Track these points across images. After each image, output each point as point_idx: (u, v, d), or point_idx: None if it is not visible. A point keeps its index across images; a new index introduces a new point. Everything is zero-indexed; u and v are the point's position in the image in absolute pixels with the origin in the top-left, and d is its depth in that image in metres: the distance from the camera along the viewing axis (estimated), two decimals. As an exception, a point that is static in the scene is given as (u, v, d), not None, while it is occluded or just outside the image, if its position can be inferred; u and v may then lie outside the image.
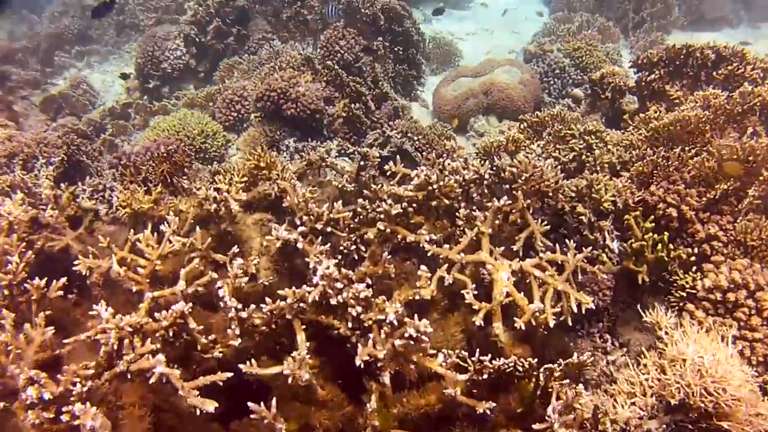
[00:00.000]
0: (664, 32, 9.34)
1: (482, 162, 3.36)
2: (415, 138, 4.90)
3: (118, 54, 10.05)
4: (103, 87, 9.28)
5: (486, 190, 3.40)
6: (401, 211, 2.89)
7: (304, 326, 2.32)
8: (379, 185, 3.18)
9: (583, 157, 4.48)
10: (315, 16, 6.80)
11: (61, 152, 5.31)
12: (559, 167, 3.55)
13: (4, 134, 5.44)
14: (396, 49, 6.66)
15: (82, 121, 7.55)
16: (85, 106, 8.04)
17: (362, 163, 3.89)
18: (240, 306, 2.25)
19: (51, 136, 5.46)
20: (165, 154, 4.59)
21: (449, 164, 3.19)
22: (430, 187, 3.08)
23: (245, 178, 3.68)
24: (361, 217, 3.02)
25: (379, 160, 3.86)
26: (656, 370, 2.69)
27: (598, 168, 4.26)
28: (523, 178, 3.20)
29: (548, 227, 3.06)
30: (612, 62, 7.74)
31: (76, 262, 2.77)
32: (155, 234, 2.78)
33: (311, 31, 7.04)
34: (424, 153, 4.62)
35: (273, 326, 2.35)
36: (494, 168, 3.35)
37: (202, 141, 5.92)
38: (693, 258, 3.25)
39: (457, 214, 3.11)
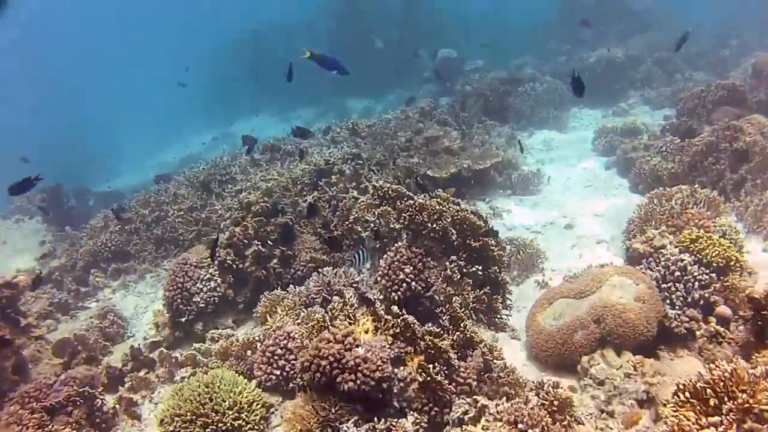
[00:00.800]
0: (771, 187, 7.95)
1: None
2: (532, 432, 3.33)
3: (155, 272, 9.17)
4: (134, 313, 8.30)
5: None
6: None
7: None
8: None
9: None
10: (371, 234, 5.65)
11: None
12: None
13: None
14: (474, 269, 5.33)
15: (100, 367, 6.39)
16: (105, 348, 6.89)
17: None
18: None
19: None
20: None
21: None
22: None
23: None
24: None
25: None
26: None
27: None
28: None
29: None
30: (732, 243, 6.23)
31: None
32: None
33: (367, 250, 5.86)
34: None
35: None
36: None
37: (233, 417, 4.51)
38: None
39: None
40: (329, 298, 5.38)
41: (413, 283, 4.95)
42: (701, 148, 8.63)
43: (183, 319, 6.52)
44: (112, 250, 9.58)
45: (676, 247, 5.99)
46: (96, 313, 7.90)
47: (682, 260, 5.70)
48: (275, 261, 6.40)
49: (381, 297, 5.02)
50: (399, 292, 4.94)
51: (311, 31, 24.62)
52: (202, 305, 6.39)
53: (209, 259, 6.16)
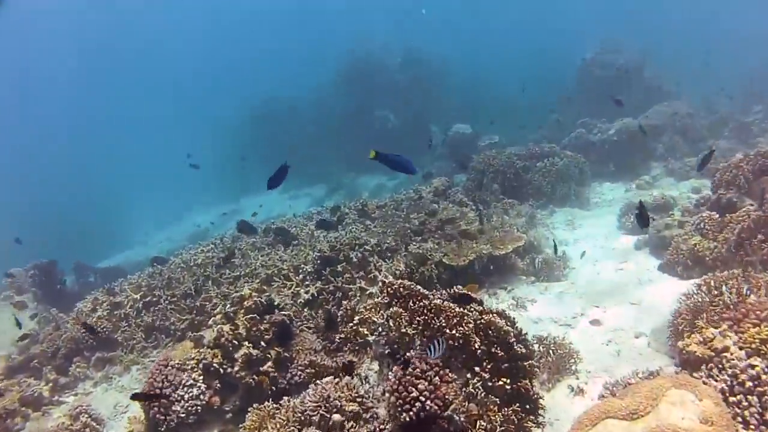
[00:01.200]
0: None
1: None
2: None
3: (142, 364, 8.29)
4: (113, 413, 7.36)
5: None
6: None
7: None
8: None
9: None
10: (378, 338, 4.81)
11: None
12: None
13: None
14: (500, 382, 4.43)
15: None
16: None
17: None
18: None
19: None
20: None
21: None
22: None
23: None
24: None
25: None
26: None
27: None
28: None
29: None
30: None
31: None
32: None
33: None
34: None
35: None
36: None
37: None
38: None
39: None
40: (328, 416, 4.50)
41: (428, 402, 4.08)
42: (748, 225, 7.75)
43: (161, 430, 5.61)
44: (97, 339, 8.76)
45: (741, 348, 5.05)
46: (68, 412, 7.03)
47: (752, 366, 4.77)
48: (269, 364, 5.54)
49: (389, 420, 4.14)
50: (411, 413, 4.07)
51: (321, 107, 24.64)
52: (183, 415, 5.48)
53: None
